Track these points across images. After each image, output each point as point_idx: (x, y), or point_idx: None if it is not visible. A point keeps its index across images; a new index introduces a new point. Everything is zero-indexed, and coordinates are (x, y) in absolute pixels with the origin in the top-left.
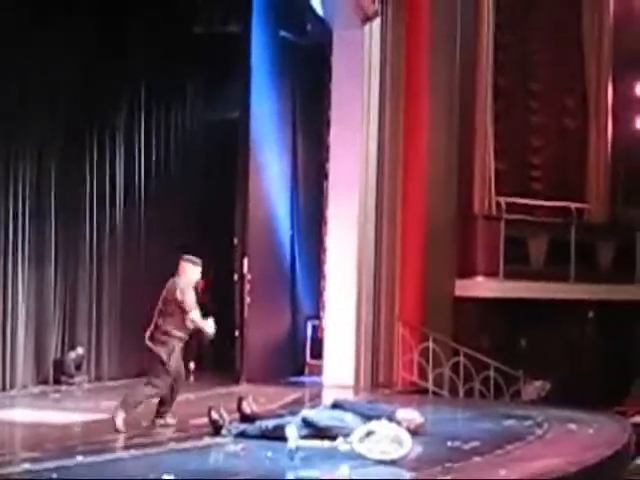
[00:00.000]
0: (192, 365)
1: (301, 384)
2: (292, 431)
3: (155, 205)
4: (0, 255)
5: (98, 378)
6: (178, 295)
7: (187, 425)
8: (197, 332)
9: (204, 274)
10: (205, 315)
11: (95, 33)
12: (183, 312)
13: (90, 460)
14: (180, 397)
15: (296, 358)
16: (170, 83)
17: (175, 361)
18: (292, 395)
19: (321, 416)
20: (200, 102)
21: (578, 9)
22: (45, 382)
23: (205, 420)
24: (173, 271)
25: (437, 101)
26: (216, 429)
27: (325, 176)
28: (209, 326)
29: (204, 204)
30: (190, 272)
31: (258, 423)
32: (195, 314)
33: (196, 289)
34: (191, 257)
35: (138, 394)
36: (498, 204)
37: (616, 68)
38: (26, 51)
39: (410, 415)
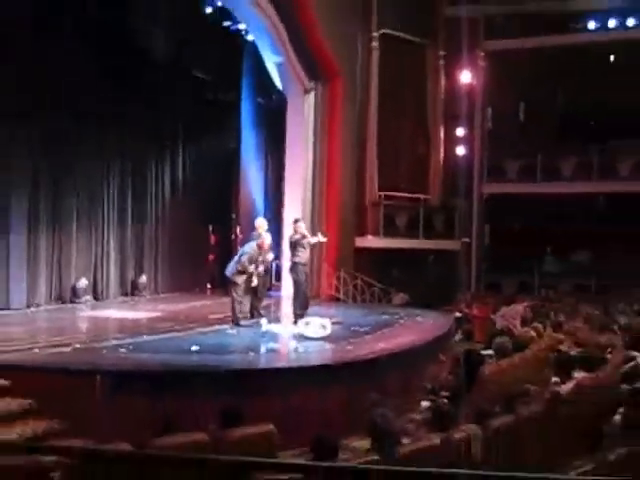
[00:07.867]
0: (209, 285)
1: (269, 296)
2: (264, 321)
3: (186, 199)
4: (100, 208)
5: (157, 292)
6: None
7: (208, 319)
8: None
9: (215, 236)
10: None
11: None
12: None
13: (151, 339)
14: (201, 303)
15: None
16: (194, 131)
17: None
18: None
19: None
20: (210, 141)
21: (423, 86)
22: (126, 294)
23: (218, 316)
24: (197, 235)
25: (346, 141)
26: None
27: (283, 182)
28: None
29: (215, 197)
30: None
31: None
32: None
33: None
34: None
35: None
36: (379, 196)
37: (445, 119)
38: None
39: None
